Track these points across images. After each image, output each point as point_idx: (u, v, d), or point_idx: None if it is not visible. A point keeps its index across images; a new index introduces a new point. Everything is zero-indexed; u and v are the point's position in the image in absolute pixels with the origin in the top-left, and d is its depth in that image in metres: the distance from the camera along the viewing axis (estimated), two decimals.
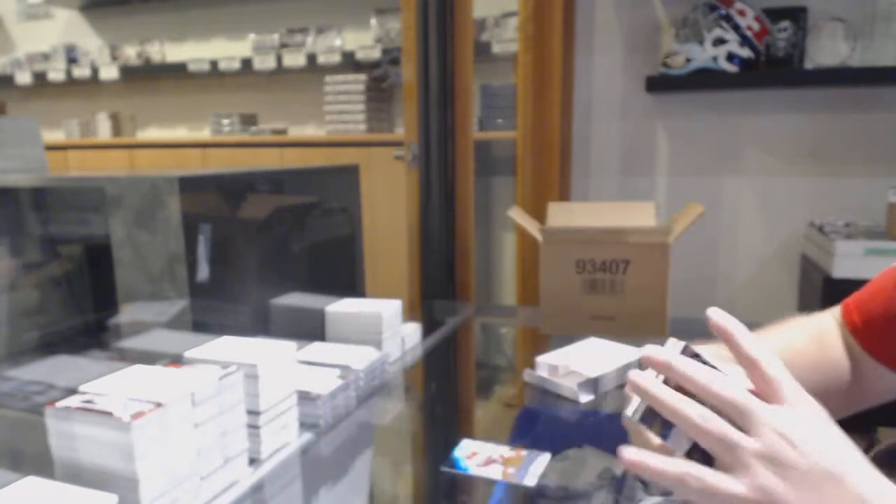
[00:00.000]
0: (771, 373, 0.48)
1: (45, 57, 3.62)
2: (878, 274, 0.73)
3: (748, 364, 0.49)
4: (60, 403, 0.64)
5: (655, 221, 1.36)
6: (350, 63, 2.95)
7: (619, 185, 2.33)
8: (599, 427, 0.98)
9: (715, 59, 1.96)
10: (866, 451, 1.54)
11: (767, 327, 0.78)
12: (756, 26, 1.94)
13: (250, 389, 0.78)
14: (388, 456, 0.99)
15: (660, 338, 0.83)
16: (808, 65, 2.00)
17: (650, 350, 0.50)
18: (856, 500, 0.44)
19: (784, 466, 0.44)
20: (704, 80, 2.01)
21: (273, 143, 3.06)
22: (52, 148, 1.71)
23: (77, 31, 3.67)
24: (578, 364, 1.09)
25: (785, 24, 2.01)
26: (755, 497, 0.45)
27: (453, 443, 0.88)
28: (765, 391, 0.48)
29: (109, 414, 0.62)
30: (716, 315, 0.50)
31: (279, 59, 3.07)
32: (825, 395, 0.57)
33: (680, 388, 0.49)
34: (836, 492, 0.44)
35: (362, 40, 3.00)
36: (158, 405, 0.64)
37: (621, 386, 1.07)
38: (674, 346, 0.52)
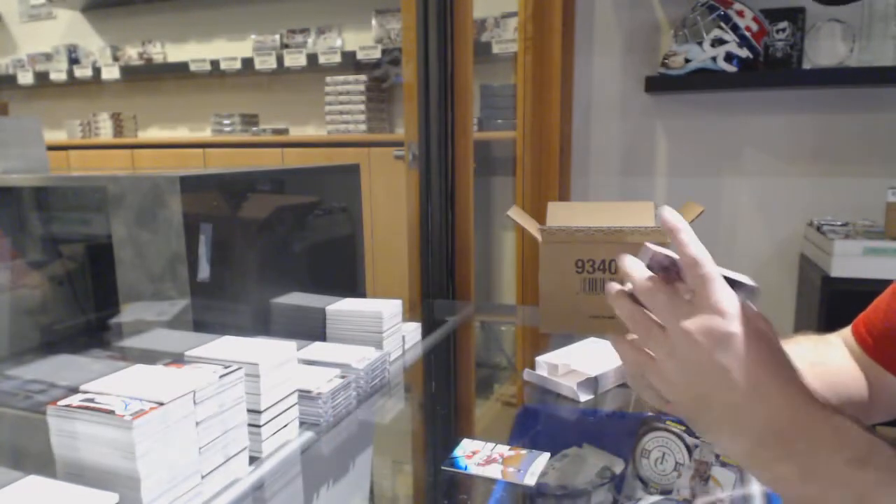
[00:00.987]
0: (705, 272, 0.52)
1: (48, 57, 3.63)
2: (884, 292, 0.74)
3: (688, 263, 0.53)
4: (62, 402, 0.65)
5: (655, 221, 1.37)
6: (350, 63, 2.96)
7: (619, 185, 2.33)
8: (599, 426, 0.98)
9: (714, 59, 1.96)
10: None
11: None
12: (755, 27, 1.95)
13: (251, 388, 0.78)
14: (388, 455, 1.00)
15: None
16: (807, 65, 2.01)
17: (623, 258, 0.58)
18: (732, 392, 0.51)
19: (685, 359, 0.52)
20: (703, 80, 2.02)
21: (274, 144, 3.06)
22: (53, 148, 1.71)
23: (79, 32, 3.68)
24: (578, 363, 1.09)
25: (783, 24, 2.01)
26: (659, 379, 0.54)
27: (453, 442, 0.89)
28: (698, 289, 0.53)
29: (111, 413, 0.62)
30: (668, 214, 0.55)
31: (280, 59, 3.07)
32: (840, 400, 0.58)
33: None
34: (719, 382, 0.51)
35: (363, 41, 3.00)
36: (159, 404, 0.64)
37: (621, 385, 1.08)
38: (645, 251, 0.58)
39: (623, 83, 2.27)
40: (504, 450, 0.85)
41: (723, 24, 1.94)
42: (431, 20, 1.67)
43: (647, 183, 2.30)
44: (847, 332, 0.77)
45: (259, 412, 0.80)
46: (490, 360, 1.52)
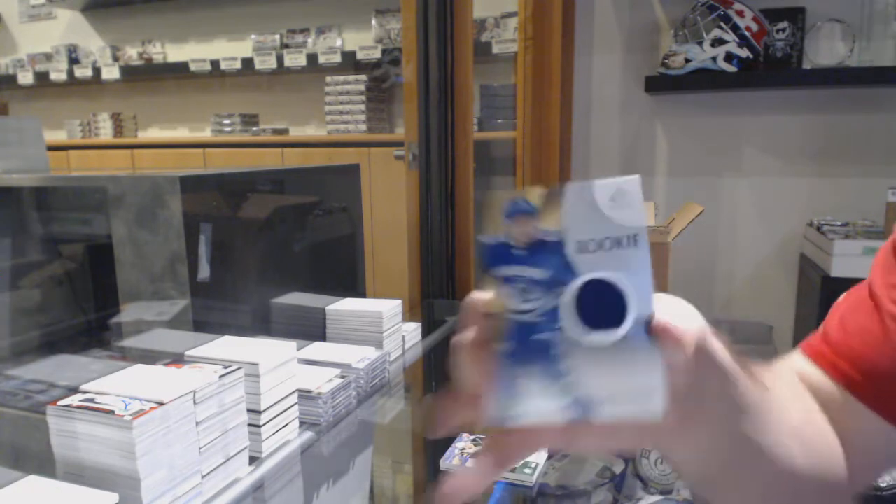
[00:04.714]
0: None
1: (48, 57, 3.63)
2: (839, 308, 0.56)
3: None
4: (62, 402, 0.65)
5: (655, 221, 1.37)
6: (350, 63, 2.96)
7: None
8: None
9: (714, 59, 1.96)
10: None
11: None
12: (755, 27, 1.95)
13: (251, 388, 0.78)
14: (388, 455, 1.00)
15: None
16: (807, 65, 2.01)
17: None
18: None
19: None
20: (703, 80, 2.02)
21: (274, 144, 3.06)
22: (54, 148, 1.71)
23: (79, 32, 3.68)
24: None
25: (783, 24, 2.01)
26: None
27: (453, 441, 0.89)
28: None
29: (111, 412, 0.62)
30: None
31: (280, 59, 3.07)
32: (821, 480, 0.46)
33: None
34: None
35: (363, 41, 3.00)
36: (160, 404, 0.64)
37: None
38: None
39: (623, 83, 2.27)
40: None
41: (723, 24, 1.94)
42: (431, 20, 1.67)
43: (647, 183, 2.30)
44: (801, 361, 0.55)
45: (259, 412, 0.80)
46: None
